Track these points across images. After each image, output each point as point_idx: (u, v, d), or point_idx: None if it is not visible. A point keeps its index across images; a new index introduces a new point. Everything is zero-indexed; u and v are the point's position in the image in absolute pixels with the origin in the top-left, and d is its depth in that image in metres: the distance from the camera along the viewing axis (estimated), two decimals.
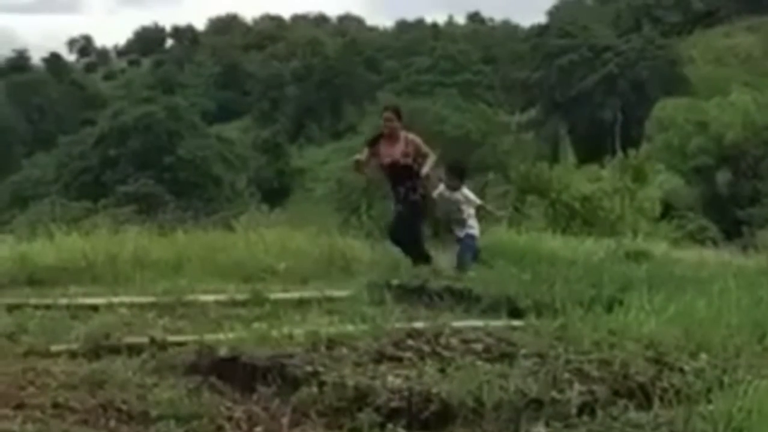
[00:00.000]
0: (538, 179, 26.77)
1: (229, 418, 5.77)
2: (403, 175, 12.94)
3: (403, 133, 13.05)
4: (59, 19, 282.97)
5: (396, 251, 13.26)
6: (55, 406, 5.71)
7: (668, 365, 6.54)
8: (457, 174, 13.59)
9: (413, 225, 13.04)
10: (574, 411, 5.83)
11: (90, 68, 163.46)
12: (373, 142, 13.23)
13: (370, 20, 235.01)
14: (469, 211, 13.35)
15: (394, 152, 12.94)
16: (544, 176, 26.81)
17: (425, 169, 12.83)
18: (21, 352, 6.92)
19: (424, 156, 12.97)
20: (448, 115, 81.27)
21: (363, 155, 13.24)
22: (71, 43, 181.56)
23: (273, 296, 9.80)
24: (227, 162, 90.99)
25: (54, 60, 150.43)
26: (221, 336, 7.11)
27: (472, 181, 23.17)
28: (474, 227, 13.37)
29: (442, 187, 13.35)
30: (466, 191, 13.49)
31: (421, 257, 12.84)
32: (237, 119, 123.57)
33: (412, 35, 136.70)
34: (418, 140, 13.11)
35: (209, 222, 21.82)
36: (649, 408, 6.00)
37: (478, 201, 13.74)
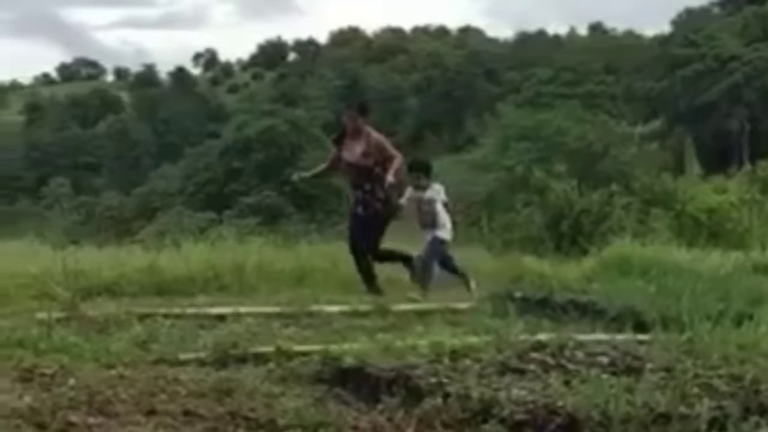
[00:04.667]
0: (663, 191, 26.40)
1: (355, 428, 5.79)
2: (362, 177, 12.17)
3: (366, 132, 12.21)
4: (185, 34, 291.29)
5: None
6: (185, 413, 5.82)
7: None
8: (422, 171, 12.24)
9: (370, 234, 12.15)
10: (703, 427, 5.70)
11: (215, 82, 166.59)
12: (339, 140, 12.56)
13: (491, 32, 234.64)
14: (440, 209, 12.13)
15: (354, 152, 12.20)
16: (669, 188, 26.44)
17: (389, 178, 11.88)
18: (152, 360, 7.06)
19: (389, 159, 12.04)
20: (570, 126, 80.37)
21: (327, 159, 13.00)
22: (196, 57, 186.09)
23: (396, 307, 9.84)
24: None
25: (180, 74, 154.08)
26: (346, 346, 7.17)
27: (595, 192, 22.94)
28: (444, 230, 12.17)
29: (410, 190, 12.13)
30: (437, 186, 12.23)
31: (387, 259, 12.34)
32: None
33: (533, 46, 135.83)
34: (383, 141, 12.26)
35: (332, 233, 22.00)
36: None
37: (445, 198, 12.32)
